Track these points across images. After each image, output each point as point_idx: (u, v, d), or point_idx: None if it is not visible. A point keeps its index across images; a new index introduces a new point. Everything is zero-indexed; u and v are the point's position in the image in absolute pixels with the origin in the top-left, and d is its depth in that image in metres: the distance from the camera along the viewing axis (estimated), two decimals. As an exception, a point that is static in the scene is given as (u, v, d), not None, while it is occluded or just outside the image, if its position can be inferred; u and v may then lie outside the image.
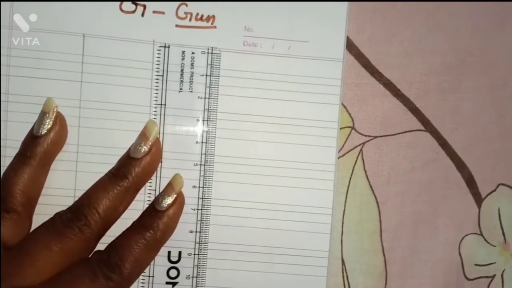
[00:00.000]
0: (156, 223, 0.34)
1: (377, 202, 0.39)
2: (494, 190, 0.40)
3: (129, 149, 0.35)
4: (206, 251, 0.38)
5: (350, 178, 0.39)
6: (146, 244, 0.33)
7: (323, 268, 0.38)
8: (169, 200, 0.34)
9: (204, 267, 0.38)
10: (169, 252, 0.38)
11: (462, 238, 0.40)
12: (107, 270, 0.32)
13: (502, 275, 0.40)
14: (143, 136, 0.35)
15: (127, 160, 0.34)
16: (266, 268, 0.38)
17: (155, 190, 0.38)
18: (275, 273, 0.38)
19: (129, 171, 0.34)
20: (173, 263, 0.38)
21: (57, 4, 0.37)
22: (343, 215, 0.39)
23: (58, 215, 0.33)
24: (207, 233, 0.38)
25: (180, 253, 0.38)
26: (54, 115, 0.35)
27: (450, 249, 0.40)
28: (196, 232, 0.38)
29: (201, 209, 0.38)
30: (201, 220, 0.38)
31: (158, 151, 0.36)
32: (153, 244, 0.34)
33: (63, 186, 0.37)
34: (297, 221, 0.38)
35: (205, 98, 0.38)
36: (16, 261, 0.31)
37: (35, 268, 0.31)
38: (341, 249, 0.39)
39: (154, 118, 0.37)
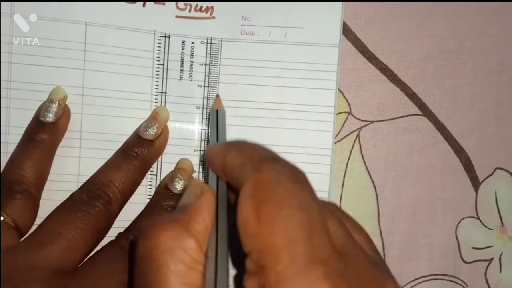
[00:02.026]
0: (175, 204, 0.36)
1: (375, 187, 0.40)
2: (491, 174, 0.41)
3: (139, 130, 0.37)
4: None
5: (347, 163, 0.40)
6: None
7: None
8: (182, 184, 0.36)
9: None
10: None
11: (459, 222, 0.41)
12: None
13: (499, 259, 0.41)
14: (154, 119, 0.37)
15: (139, 141, 0.36)
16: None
17: (156, 175, 0.39)
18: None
19: (141, 151, 0.36)
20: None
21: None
22: (340, 199, 0.40)
23: (77, 195, 0.34)
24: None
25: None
26: (64, 104, 0.36)
27: (448, 233, 0.40)
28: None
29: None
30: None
31: (167, 134, 0.38)
32: None
33: (67, 172, 0.38)
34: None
35: (204, 86, 0.39)
36: (47, 243, 0.31)
37: (69, 248, 0.31)
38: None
39: (155, 105, 0.38)
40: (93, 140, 0.38)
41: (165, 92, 0.39)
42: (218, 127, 0.34)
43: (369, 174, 0.40)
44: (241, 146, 0.28)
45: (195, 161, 0.39)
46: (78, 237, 0.32)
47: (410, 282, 0.40)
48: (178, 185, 0.36)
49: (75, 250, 0.32)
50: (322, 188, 0.39)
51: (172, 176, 0.37)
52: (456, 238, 0.41)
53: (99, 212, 0.33)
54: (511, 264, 0.41)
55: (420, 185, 0.40)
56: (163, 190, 0.37)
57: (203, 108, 0.39)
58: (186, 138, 0.39)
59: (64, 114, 0.36)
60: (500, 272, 0.41)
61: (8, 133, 0.37)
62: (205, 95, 0.39)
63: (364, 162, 0.40)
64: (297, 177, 0.25)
